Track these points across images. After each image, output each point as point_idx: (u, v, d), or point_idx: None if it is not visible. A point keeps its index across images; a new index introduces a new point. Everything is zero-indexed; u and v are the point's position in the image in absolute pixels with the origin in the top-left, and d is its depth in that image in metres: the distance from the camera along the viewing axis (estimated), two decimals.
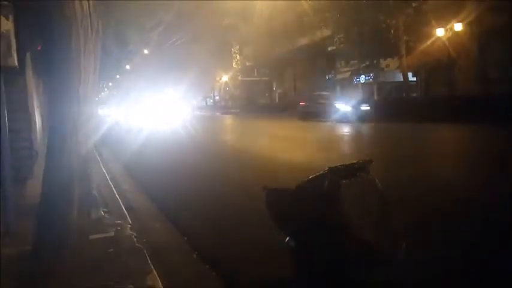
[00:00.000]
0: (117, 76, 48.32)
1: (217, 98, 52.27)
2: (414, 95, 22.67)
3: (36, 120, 6.86)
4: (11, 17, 3.87)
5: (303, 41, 31.51)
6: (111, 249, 3.19)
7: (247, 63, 40.42)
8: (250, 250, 3.30)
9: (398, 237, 2.39)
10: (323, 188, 2.28)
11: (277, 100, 39.12)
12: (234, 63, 42.01)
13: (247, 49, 38.35)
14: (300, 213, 2.36)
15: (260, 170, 6.83)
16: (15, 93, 5.16)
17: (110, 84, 55.81)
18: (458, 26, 17.57)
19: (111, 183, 5.90)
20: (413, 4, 18.47)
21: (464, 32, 17.73)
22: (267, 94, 39.88)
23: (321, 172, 2.40)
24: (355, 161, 2.47)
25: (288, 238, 2.49)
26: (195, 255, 3.22)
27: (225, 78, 42.95)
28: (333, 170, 2.37)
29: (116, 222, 3.96)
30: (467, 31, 17.73)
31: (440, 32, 17.94)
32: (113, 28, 8.40)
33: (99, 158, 8.55)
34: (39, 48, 5.68)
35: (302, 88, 33.77)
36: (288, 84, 35.81)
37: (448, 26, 17.81)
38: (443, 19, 17.72)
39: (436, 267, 2.75)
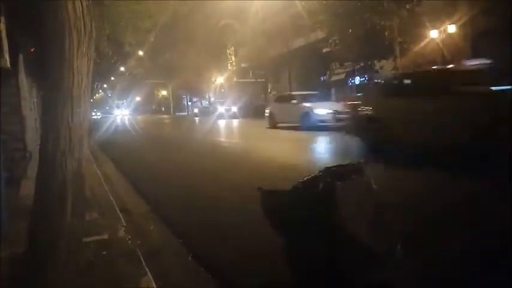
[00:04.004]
0: (112, 78, 48.12)
1: (212, 99, 52.24)
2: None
3: (30, 121, 6.82)
4: (3, 18, 3.85)
5: (298, 42, 31.58)
6: (105, 252, 3.17)
7: (243, 65, 40.42)
8: (246, 252, 3.29)
9: (394, 238, 2.39)
10: (318, 190, 2.27)
11: None
12: (229, 65, 41.99)
13: (242, 50, 38.37)
14: (296, 215, 2.36)
15: None
16: (8, 95, 5.13)
17: (105, 86, 55.53)
18: (451, 28, 17.69)
19: None
20: (407, 6, 18.57)
21: (458, 33, 17.85)
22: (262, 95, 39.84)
23: (317, 174, 2.40)
24: (351, 162, 2.47)
25: (282, 240, 2.48)
26: (190, 257, 3.21)
27: (220, 79, 42.94)
28: (328, 172, 2.37)
29: (110, 224, 3.95)
30: (461, 33, 17.85)
31: (434, 34, 18.06)
32: (107, 30, 8.37)
33: None
34: (32, 50, 5.65)
35: (297, 89, 33.85)
36: (283, 85, 35.85)
37: (442, 28, 17.92)
38: (437, 21, 17.84)
39: (433, 268, 2.75)
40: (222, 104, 35.67)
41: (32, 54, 5.99)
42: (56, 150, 2.36)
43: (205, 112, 40.35)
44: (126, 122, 38.82)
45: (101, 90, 56.75)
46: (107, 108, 75.36)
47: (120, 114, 54.74)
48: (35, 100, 8.77)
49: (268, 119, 18.86)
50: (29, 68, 6.68)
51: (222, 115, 32.97)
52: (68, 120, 2.38)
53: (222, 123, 27.39)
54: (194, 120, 35.74)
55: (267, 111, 19.54)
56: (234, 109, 33.87)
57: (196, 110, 46.37)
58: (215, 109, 35.83)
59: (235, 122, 27.81)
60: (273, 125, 18.03)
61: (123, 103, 63.15)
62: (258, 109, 32.37)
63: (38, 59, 5.68)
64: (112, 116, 50.08)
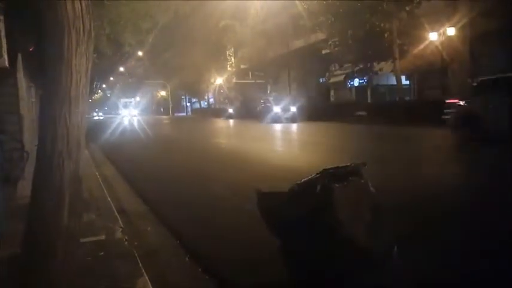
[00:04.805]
0: (111, 78, 48.01)
1: (211, 100, 52.25)
2: (407, 98, 22.82)
3: (28, 121, 6.80)
4: (2, 18, 3.84)
5: (298, 43, 31.65)
6: (102, 253, 3.16)
7: (242, 66, 40.45)
8: (243, 253, 3.27)
9: (391, 240, 2.38)
10: (315, 192, 2.27)
11: None
12: (228, 66, 42.01)
13: (241, 52, 38.39)
14: (292, 217, 2.35)
15: None
16: (6, 94, 5.11)
17: (104, 86, 55.43)
18: (451, 30, 17.73)
19: None
20: (407, 8, 18.61)
21: (457, 36, 17.88)
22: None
23: (314, 175, 2.39)
24: (348, 164, 2.46)
25: (280, 241, 2.48)
26: (187, 259, 3.20)
27: (219, 80, 42.93)
28: (325, 174, 2.37)
29: (108, 225, 3.94)
30: (460, 35, 17.88)
31: (433, 36, 18.10)
32: (106, 29, 8.36)
33: None
34: (31, 50, 5.64)
35: (297, 91, 33.90)
36: (282, 86, 35.90)
37: (441, 30, 17.96)
38: (436, 23, 17.88)
39: (429, 270, 2.75)
40: (277, 103, 26.20)
41: (31, 53, 5.98)
42: (53, 151, 2.35)
43: (242, 112, 32.76)
44: (136, 125, 29.38)
45: (99, 90, 56.61)
46: (106, 108, 74.66)
47: (128, 114, 47.90)
48: (33, 100, 8.75)
49: (454, 125, 10.68)
50: (27, 68, 6.67)
51: (278, 117, 24.58)
52: (66, 121, 2.37)
53: (297, 131, 18.82)
54: (229, 125, 27.19)
55: (448, 111, 11.20)
56: (294, 109, 25.49)
57: (231, 110, 36.95)
58: (267, 109, 26.28)
59: (322, 129, 18.82)
60: (471, 137, 9.61)
61: (131, 102, 58.67)
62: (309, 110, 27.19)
63: (36, 58, 5.66)
64: (118, 116, 44.41)
